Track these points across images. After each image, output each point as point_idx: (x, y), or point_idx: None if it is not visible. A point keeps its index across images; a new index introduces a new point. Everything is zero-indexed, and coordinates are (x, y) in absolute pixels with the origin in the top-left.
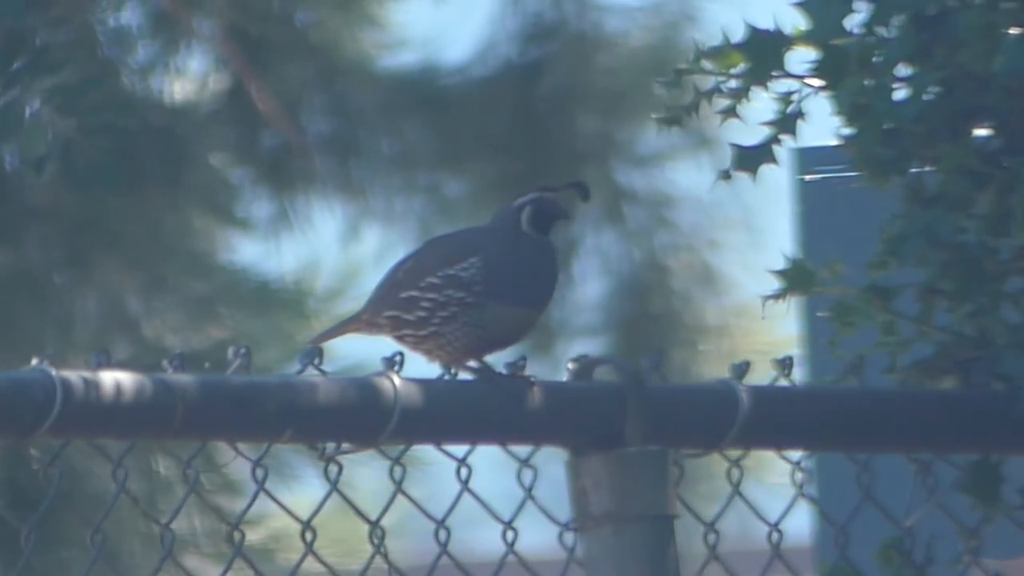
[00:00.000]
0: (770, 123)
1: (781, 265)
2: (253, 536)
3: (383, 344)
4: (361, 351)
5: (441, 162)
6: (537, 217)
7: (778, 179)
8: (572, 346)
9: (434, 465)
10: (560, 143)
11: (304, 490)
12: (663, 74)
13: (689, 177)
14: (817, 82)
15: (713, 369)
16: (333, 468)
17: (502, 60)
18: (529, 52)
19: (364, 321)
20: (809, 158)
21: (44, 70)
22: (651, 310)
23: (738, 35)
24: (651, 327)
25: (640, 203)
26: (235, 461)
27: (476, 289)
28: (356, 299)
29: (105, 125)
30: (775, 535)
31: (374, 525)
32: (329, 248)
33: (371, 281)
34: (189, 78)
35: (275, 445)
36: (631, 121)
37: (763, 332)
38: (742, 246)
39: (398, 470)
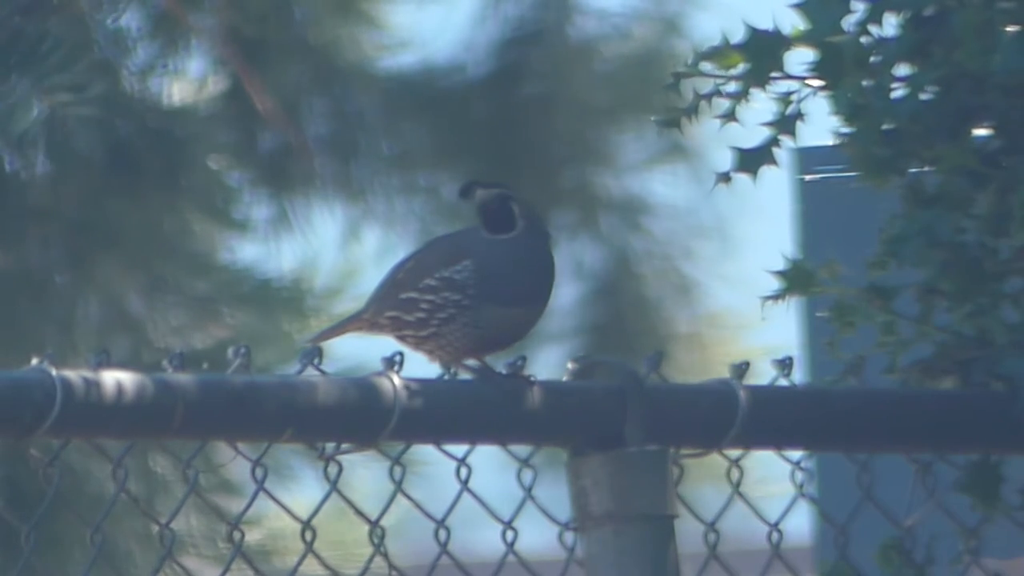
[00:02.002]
0: (769, 124)
1: (781, 265)
2: (249, 537)
3: (383, 344)
4: (361, 352)
5: (437, 163)
6: (487, 222)
7: (751, 188)
8: (541, 350)
9: (434, 466)
10: (537, 148)
11: (302, 491)
12: (645, 80)
13: (665, 184)
14: (816, 82)
15: (685, 377)
16: (333, 468)
17: (482, 64)
18: (509, 56)
19: (366, 320)
20: (809, 158)
21: (34, 61)
22: (622, 317)
23: (737, 36)
24: (622, 334)
25: (615, 209)
26: (233, 462)
27: (470, 291)
28: (356, 299)
29: (89, 103)
30: (775, 535)
31: (374, 525)
32: (329, 249)
33: (371, 281)
34: (188, 79)
35: (274, 446)
36: (610, 127)
37: (734, 342)
38: (715, 255)
39: (398, 470)
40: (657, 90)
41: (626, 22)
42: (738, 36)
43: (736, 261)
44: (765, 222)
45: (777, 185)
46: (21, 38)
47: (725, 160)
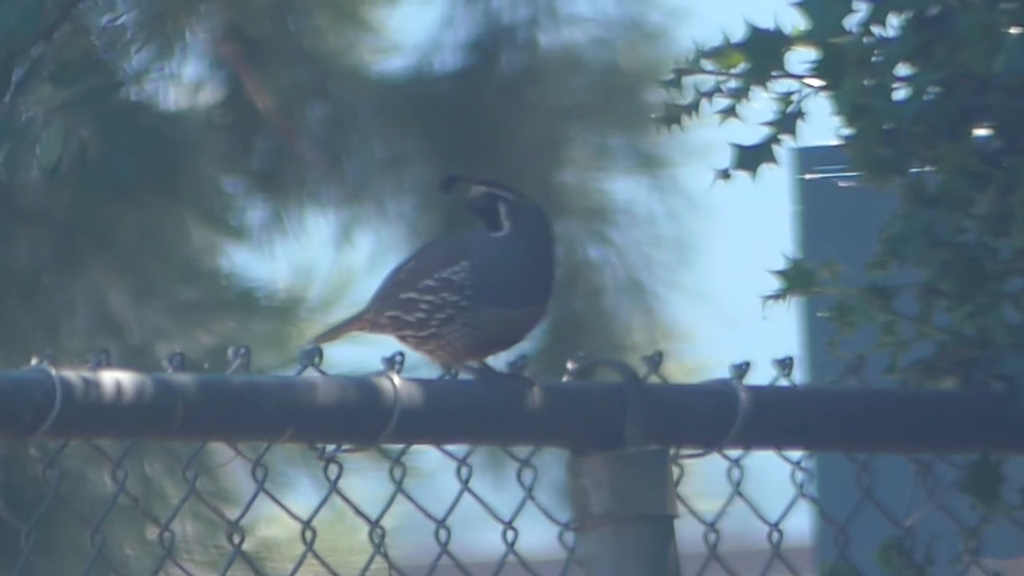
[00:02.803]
0: (770, 123)
1: (781, 265)
2: (245, 545)
3: (383, 345)
4: (361, 354)
5: (421, 164)
6: (484, 217)
7: (709, 204)
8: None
9: (433, 475)
10: (503, 150)
11: (298, 498)
12: (616, 85)
13: (628, 192)
14: (817, 82)
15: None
16: (333, 469)
17: (449, 65)
18: (477, 58)
19: (367, 320)
20: (809, 158)
21: (54, 80)
22: (577, 325)
23: (738, 35)
24: (577, 338)
25: (576, 215)
26: (229, 467)
27: (467, 293)
28: (349, 305)
29: (118, 127)
30: (775, 535)
31: (374, 525)
32: (323, 253)
33: (364, 286)
34: (184, 84)
35: (271, 452)
36: (576, 132)
37: (689, 352)
38: (674, 264)
39: (398, 470)
40: (625, 97)
41: (598, 29)
42: (739, 35)
43: (695, 273)
44: (726, 235)
45: (743, 202)
46: (42, 65)
47: (723, 158)
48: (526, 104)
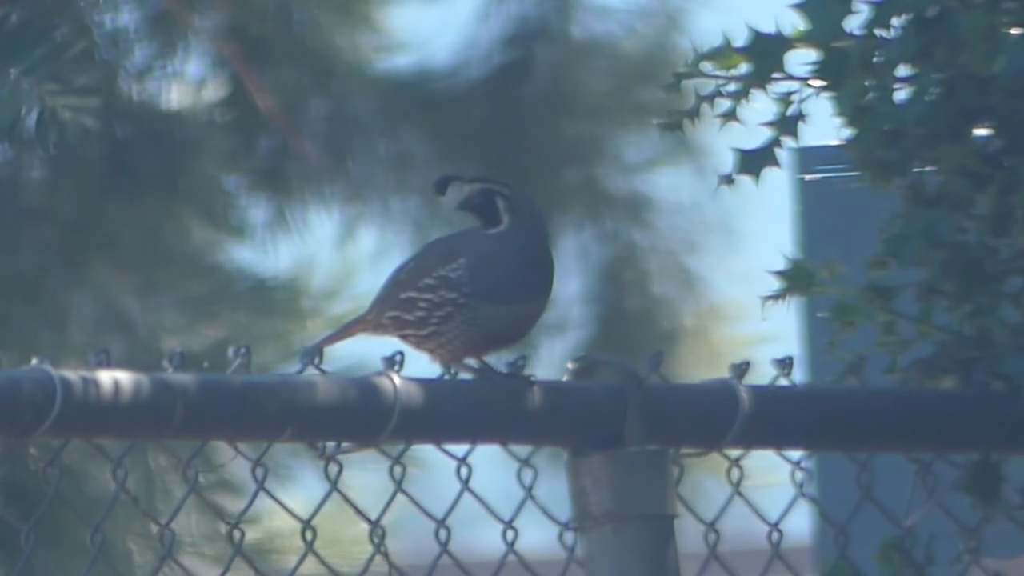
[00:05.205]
0: (771, 124)
1: (781, 265)
2: (248, 536)
3: (383, 344)
4: (361, 351)
5: (437, 164)
6: (479, 214)
7: (754, 185)
8: (546, 342)
9: (434, 467)
10: (543, 146)
11: (301, 491)
12: (648, 78)
13: (669, 180)
14: (818, 83)
15: (689, 369)
16: (333, 467)
17: (485, 62)
18: (512, 54)
19: (370, 322)
20: (809, 158)
21: (23, 47)
22: (627, 310)
23: (739, 37)
24: (627, 327)
25: (620, 205)
26: (233, 461)
27: (465, 290)
28: (352, 301)
29: (82, 91)
30: (775, 535)
31: (374, 525)
32: (326, 250)
33: (367, 283)
34: (186, 82)
35: (273, 446)
36: (614, 124)
37: (737, 334)
38: (719, 249)
39: (398, 470)
40: (660, 87)
41: (630, 19)
42: (740, 37)
43: (739, 256)
44: (767, 220)
45: (778, 185)
46: (5, 25)
47: (728, 159)
48: (562, 96)
